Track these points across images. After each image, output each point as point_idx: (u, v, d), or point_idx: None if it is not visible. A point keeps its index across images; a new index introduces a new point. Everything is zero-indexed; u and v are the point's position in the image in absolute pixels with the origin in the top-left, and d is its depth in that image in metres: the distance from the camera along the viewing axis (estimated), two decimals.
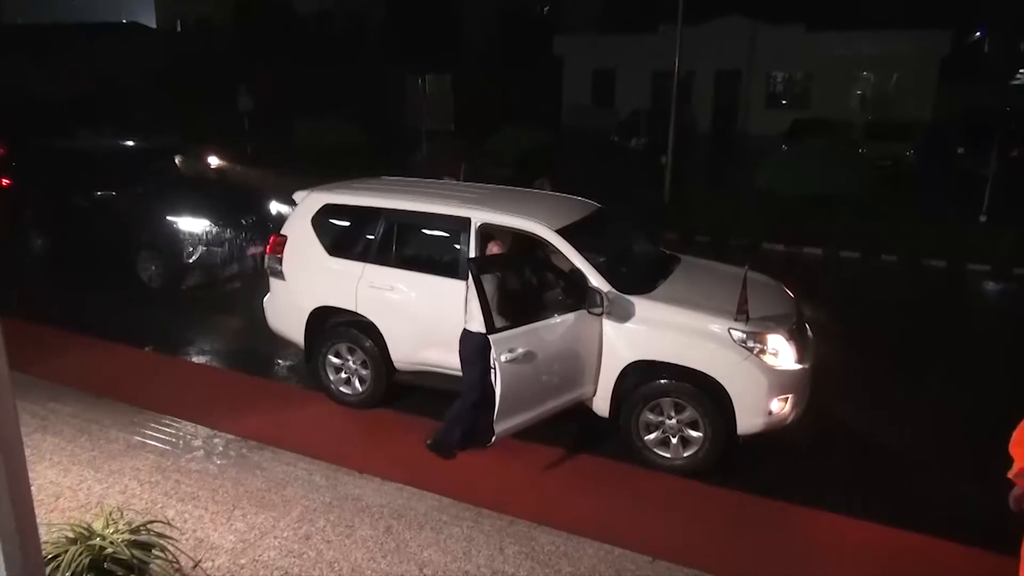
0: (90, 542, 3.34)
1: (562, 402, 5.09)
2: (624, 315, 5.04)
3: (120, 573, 3.28)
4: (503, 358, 4.61)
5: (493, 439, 4.82)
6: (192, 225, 8.96)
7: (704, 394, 4.90)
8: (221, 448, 5.24)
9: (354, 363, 6.00)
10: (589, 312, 4.95)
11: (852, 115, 26.04)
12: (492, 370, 4.73)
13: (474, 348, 4.91)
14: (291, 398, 6.34)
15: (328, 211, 6.12)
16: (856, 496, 4.87)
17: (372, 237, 5.89)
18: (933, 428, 5.91)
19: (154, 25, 41.78)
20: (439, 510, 4.51)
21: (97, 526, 3.46)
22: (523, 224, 5.37)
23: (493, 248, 5.24)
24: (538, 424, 5.03)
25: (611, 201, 6.96)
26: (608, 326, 5.05)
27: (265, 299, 6.50)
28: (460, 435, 5.16)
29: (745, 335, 4.84)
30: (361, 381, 6.01)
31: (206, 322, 8.36)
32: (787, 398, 4.91)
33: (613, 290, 5.06)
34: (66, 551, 3.27)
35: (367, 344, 5.84)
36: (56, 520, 4.06)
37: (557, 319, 4.97)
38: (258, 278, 8.95)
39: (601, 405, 5.23)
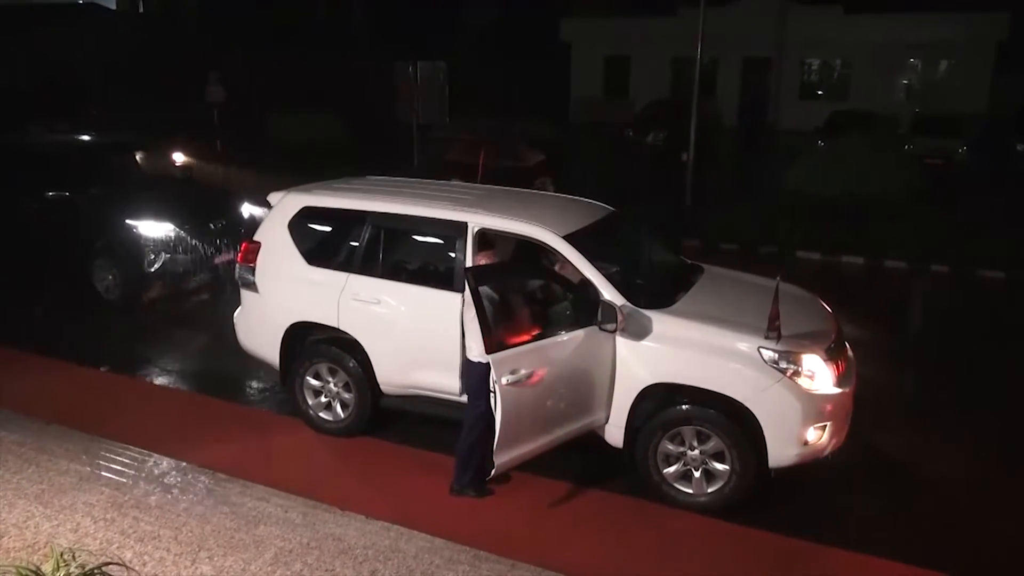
0: None
1: (570, 430, 5.09)
2: (640, 332, 5.05)
3: None
4: (504, 380, 4.62)
5: (493, 472, 4.82)
6: (154, 230, 9.00)
7: (731, 422, 4.90)
8: (185, 481, 5.24)
9: (335, 386, 6.01)
10: (601, 329, 4.96)
11: (897, 107, 26.17)
12: (492, 394, 4.74)
13: (479, 380, 4.92)
14: (264, 425, 6.35)
15: (307, 215, 6.15)
16: (905, 539, 4.86)
17: (356, 244, 5.91)
18: (989, 460, 5.90)
19: (113, 6, 42.10)
20: (431, 552, 4.50)
21: (46, 568, 3.48)
22: (526, 230, 5.40)
23: (480, 259, 5.27)
24: (543, 455, 5.03)
25: (625, 204, 6.99)
26: (622, 345, 5.06)
27: (236, 314, 6.53)
28: (473, 474, 5.12)
29: (777, 355, 4.85)
30: (343, 406, 6.02)
31: (169, 339, 8.39)
32: (825, 426, 4.90)
33: (628, 304, 5.08)
34: None
35: (350, 364, 5.86)
36: (1, 562, 4.07)
37: (564, 336, 4.99)
38: (228, 290, 8.98)
39: (614, 434, 5.23)
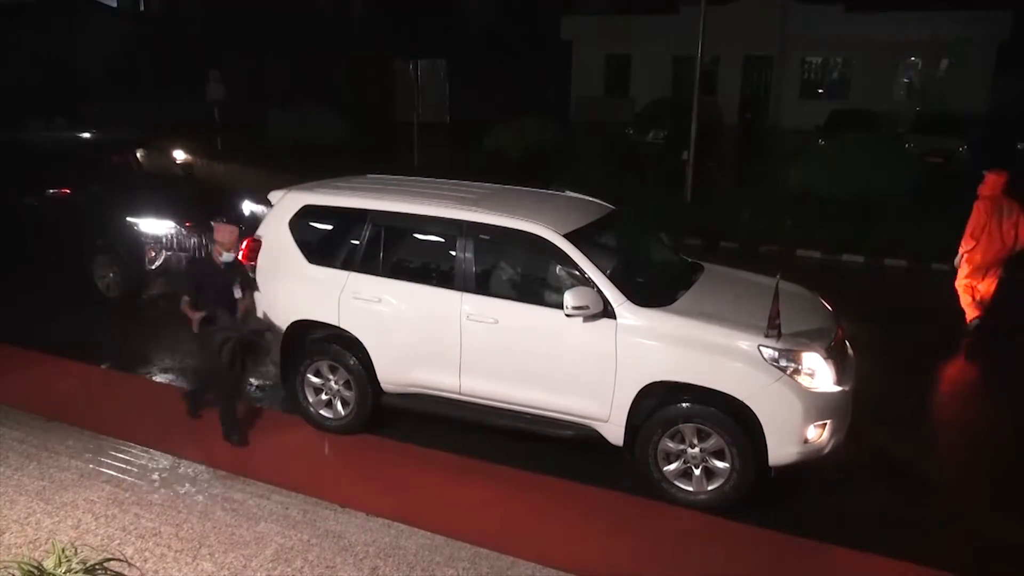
0: None
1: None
2: (640, 330, 5.06)
3: None
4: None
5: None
6: (155, 227, 9.00)
7: (731, 419, 4.91)
8: (186, 478, 5.26)
9: (336, 383, 6.03)
10: (567, 315, 5.02)
11: (898, 106, 26.18)
12: None
13: None
14: (265, 422, 6.35)
15: (308, 213, 6.16)
16: (906, 536, 4.88)
17: (357, 243, 5.92)
18: (990, 457, 5.92)
19: (114, 4, 42.10)
20: (431, 550, 4.52)
21: (48, 564, 3.49)
22: (528, 228, 5.41)
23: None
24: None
25: (626, 202, 7.00)
26: (623, 343, 5.07)
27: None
28: None
29: (777, 353, 4.86)
30: (344, 403, 6.04)
31: (170, 336, 8.38)
32: (825, 424, 4.92)
33: (628, 302, 5.09)
34: None
35: (351, 362, 5.87)
36: (2, 558, 4.08)
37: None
38: None
39: (614, 431, 5.25)
